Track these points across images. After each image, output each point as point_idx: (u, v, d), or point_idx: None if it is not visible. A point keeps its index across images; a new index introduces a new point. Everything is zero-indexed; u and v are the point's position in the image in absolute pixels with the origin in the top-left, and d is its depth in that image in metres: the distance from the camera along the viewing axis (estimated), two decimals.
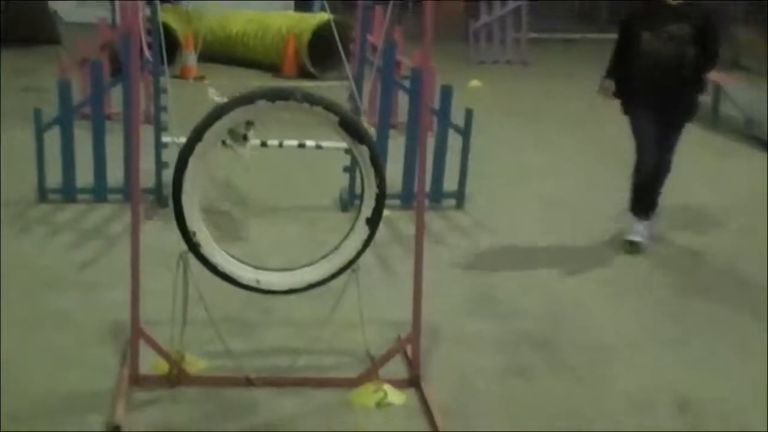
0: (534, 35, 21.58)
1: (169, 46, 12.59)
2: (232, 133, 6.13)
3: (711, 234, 10.02)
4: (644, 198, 9.75)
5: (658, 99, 9.45)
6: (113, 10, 18.64)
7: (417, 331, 6.57)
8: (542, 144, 13.68)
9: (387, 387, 6.44)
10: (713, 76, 15.67)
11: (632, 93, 9.59)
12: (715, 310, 8.09)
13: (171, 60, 13.91)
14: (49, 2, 20.44)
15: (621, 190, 11.21)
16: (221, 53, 18.34)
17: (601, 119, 15.58)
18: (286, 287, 6.40)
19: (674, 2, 9.36)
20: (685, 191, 11.35)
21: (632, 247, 9.52)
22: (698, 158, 13.03)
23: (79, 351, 6.97)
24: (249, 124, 6.15)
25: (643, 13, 9.73)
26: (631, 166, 9.42)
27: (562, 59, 20.58)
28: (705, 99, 15.40)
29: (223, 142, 6.15)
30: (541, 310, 7.93)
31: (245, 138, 6.13)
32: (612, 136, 14.41)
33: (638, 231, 9.67)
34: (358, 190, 7.97)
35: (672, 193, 11.22)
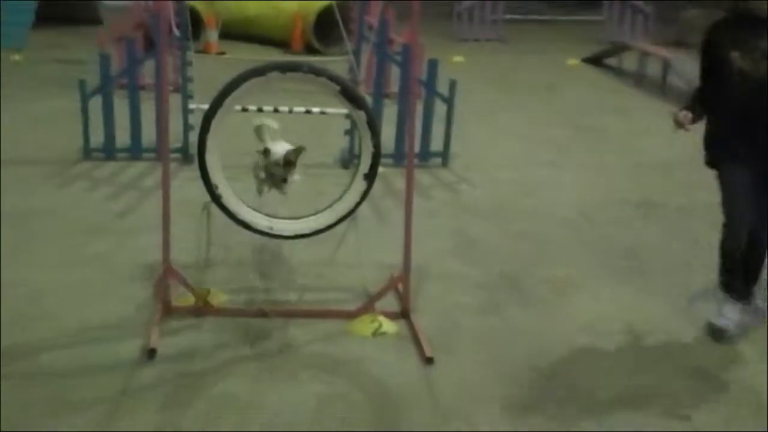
0: (510, 17, 21.45)
1: (194, 24, 12.54)
2: (272, 177, 6.32)
3: (660, 184, 10.00)
4: (737, 275, 6.64)
5: (756, 144, 6.26)
6: None
7: (407, 271, 6.60)
8: (517, 110, 13.65)
9: (381, 318, 6.47)
10: (659, 51, 15.74)
11: (720, 137, 6.42)
12: (665, 250, 8.13)
13: (196, 37, 13.84)
14: None
15: (583, 148, 11.27)
16: (239, 31, 18.25)
17: (567, 88, 15.66)
18: (294, 233, 6.42)
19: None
20: (639, 147, 11.37)
21: (717, 334, 6.51)
22: (650, 121, 13.05)
23: (117, 288, 6.99)
24: (288, 165, 6.28)
25: (728, 27, 6.31)
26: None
27: (535, 38, 20.49)
28: (655, 71, 15.46)
29: (260, 188, 6.44)
30: (515, 253, 7.95)
31: (284, 181, 6.27)
32: (575, 101, 14.50)
33: (727, 314, 6.60)
34: (356, 150, 7.97)
35: (627, 147, 11.29)
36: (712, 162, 6.51)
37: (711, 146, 6.49)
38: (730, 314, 6.56)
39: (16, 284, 6.96)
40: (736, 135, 6.28)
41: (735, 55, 6.08)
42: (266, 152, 6.31)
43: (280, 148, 6.31)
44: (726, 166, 6.39)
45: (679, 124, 6.33)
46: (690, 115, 6.29)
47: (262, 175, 6.40)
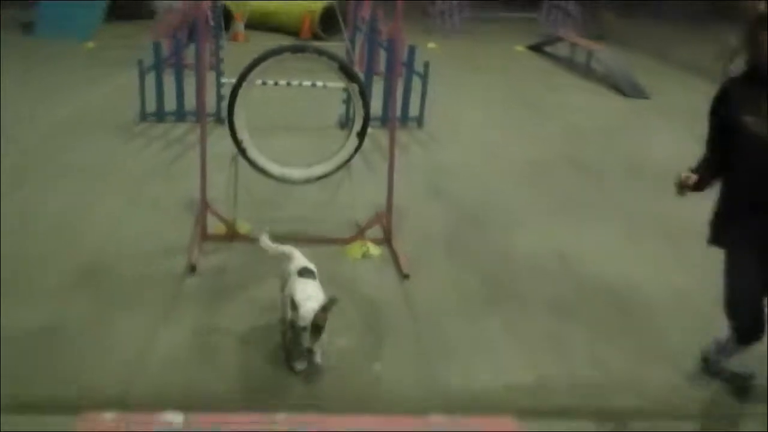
0: (472, 14, 21.31)
1: (226, 18, 12.58)
2: (296, 345, 4.72)
3: (584, 146, 10.05)
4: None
5: None
6: None
7: (389, 209, 6.71)
8: (477, 85, 13.62)
9: (369, 244, 6.55)
10: (584, 42, 15.74)
11: (732, 213, 4.44)
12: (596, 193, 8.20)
13: (227, 28, 13.86)
14: None
15: (527, 116, 11.27)
16: (261, 23, 18.15)
17: (515, 69, 15.63)
18: (302, 179, 6.48)
19: None
20: (569, 117, 11.41)
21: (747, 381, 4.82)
22: (577, 96, 13.08)
23: (166, 219, 7.06)
24: (316, 332, 4.60)
25: (740, 88, 4.30)
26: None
27: (490, 31, 20.35)
28: (581, 58, 15.44)
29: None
30: (474, 196, 8.01)
31: (309, 351, 4.70)
32: (521, 79, 14.47)
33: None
34: (351, 115, 8.00)
35: (560, 117, 11.31)
36: (718, 238, 4.50)
37: (721, 224, 4.47)
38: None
39: (94, 215, 7.09)
40: (751, 212, 4.29)
41: (748, 120, 4.17)
42: (294, 308, 4.67)
43: (308, 310, 4.61)
44: (737, 249, 4.41)
45: (683, 187, 4.33)
46: (693, 176, 4.30)
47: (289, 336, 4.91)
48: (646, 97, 12.91)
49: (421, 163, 8.96)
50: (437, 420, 3.24)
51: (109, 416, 3.29)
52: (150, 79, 10.05)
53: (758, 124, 4.11)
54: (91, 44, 15.97)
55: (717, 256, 4.51)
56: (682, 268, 6.54)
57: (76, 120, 10.12)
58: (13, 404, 4.40)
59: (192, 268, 6.05)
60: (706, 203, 4.53)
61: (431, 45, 17.37)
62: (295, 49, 6.23)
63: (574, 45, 16.21)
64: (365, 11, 11.98)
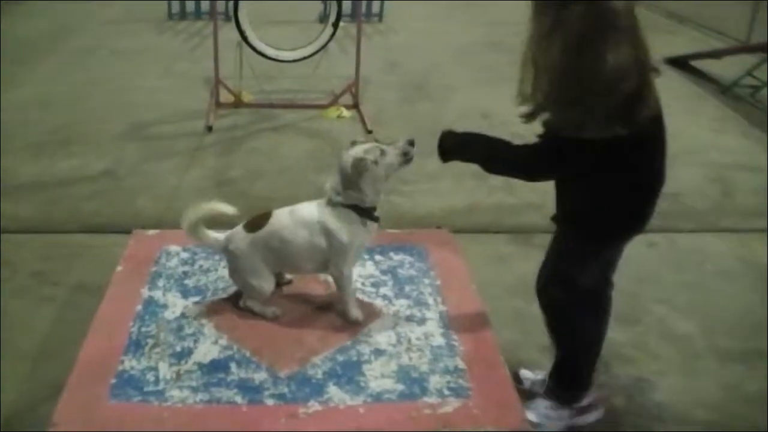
0: None
1: None
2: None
3: (503, 34, 9.93)
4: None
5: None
6: None
7: (357, 79, 6.65)
8: None
9: (342, 108, 6.56)
10: None
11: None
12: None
13: None
14: None
15: (461, 12, 11.06)
16: None
17: None
18: (291, 58, 6.42)
19: None
20: (491, 13, 11.22)
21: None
22: None
23: (190, 90, 7.02)
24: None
25: None
26: None
27: None
28: None
29: None
30: (420, 70, 7.96)
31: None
32: None
33: (540, 410, 2.85)
34: (328, 11, 7.85)
35: (484, 12, 11.11)
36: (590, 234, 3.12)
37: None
38: (544, 412, 2.94)
39: (138, 87, 7.04)
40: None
41: None
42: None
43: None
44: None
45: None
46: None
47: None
48: None
49: (381, 47, 8.84)
50: (393, 232, 3.36)
51: (152, 232, 3.38)
52: None
53: None
54: None
55: None
56: None
57: (120, 17, 9.86)
58: (84, 227, 4.50)
59: (209, 128, 6.07)
60: None
61: None
62: None
63: None
64: None
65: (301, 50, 6.40)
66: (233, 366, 2.41)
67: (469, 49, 8.97)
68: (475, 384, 2.38)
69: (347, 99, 6.70)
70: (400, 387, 2.36)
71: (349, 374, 2.39)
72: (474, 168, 2.77)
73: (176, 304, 2.72)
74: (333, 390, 2.33)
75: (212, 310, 2.71)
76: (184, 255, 3.08)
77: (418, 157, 2.81)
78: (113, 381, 2.34)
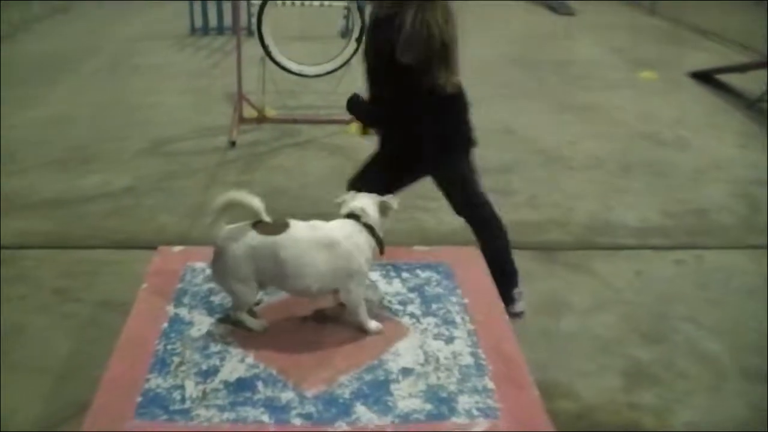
0: None
1: None
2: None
3: (523, 49, 9.94)
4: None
5: None
6: None
7: None
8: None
9: None
10: None
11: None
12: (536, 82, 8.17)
13: None
14: None
15: (486, 24, 11.09)
16: None
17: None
18: (314, 73, 6.42)
19: None
20: (511, 28, 11.23)
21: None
22: (519, 12, 12.82)
23: (211, 106, 7.06)
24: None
25: None
26: None
27: None
28: None
29: None
30: None
31: None
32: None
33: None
34: (350, 26, 7.86)
35: (507, 27, 11.09)
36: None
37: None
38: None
39: (158, 104, 7.10)
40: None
41: None
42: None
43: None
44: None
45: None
46: None
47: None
48: (572, 14, 12.61)
49: None
50: (419, 249, 3.33)
51: (177, 249, 3.38)
52: (197, 2, 9.85)
53: None
54: None
55: (616, 127, 4.54)
56: (592, 136, 6.60)
57: (143, 34, 9.97)
58: (106, 243, 4.51)
59: (232, 143, 6.08)
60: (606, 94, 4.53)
61: None
62: None
63: None
64: None
65: (324, 65, 6.40)
66: (260, 385, 2.39)
67: (490, 64, 8.96)
68: (504, 405, 2.34)
69: None
70: (428, 407, 2.32)
71: (376, 394, 2.36)
72: (495, 181, 2.75)
73: (202, 322, 2.71)
74: (361, 410, 2.30)
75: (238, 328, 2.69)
76: (210, 272, 3.07)
77: None
78: (139, 399, 2.33)
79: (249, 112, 6.55)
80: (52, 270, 4.18)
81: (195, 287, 2.93)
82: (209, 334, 2.64)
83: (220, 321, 2.72)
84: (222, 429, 2.21)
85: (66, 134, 6.30)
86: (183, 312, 2.77)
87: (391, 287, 2.94)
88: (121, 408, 2.28)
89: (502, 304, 2.86)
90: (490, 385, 2.42)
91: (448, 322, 2.75)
